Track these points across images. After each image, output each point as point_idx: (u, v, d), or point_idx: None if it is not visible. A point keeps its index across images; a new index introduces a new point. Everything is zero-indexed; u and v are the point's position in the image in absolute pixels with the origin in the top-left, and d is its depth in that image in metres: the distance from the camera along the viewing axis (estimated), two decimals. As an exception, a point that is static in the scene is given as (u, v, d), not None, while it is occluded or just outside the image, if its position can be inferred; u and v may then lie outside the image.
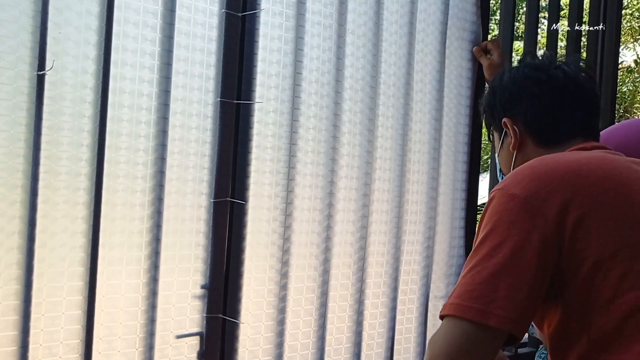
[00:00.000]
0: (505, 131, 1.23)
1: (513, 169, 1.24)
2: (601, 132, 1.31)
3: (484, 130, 1.83)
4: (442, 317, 0.93)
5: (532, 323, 1.05)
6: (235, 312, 1.56)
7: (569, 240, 0.90)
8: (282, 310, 1.61)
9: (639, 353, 0.86)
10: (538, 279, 0.89)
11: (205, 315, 1.53)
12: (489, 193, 1.53)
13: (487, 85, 2.01)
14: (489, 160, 2.19)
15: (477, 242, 0.95)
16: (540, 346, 1.65)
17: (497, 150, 1.34)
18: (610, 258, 0.90)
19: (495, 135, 1.31)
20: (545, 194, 0.92)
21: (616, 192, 0.95)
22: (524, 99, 1.19)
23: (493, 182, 1.98)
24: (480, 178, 2.23)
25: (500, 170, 1.40)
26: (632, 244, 0.92)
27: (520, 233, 0.89)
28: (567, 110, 1.16)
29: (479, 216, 1.40)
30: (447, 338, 0.89)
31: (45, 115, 1.29)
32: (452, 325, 0.89)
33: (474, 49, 1.97)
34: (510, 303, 0.86)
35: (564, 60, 1.21)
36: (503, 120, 1.21)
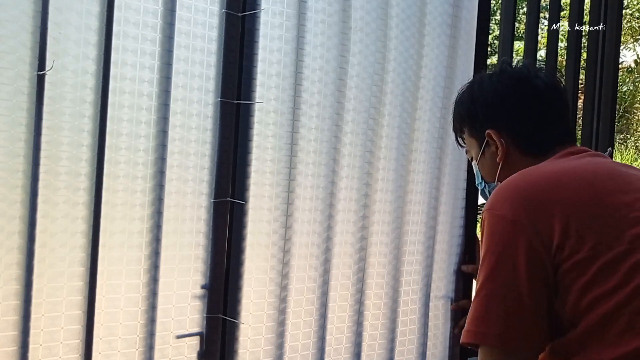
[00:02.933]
0: (487, 141, 1.23)
1: (498, 179, 1.23)
2: None
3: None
4: (465, 344, 1.00)
5: None
6: (235, 312, 1.56)
7: (557, 250, 0.95)
8: (282, 311, 1.61)
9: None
10: (537, 295, 0.94)
11: (205, 315, 1.53)
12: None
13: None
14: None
15: (481, 260, 1.01)
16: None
17: (475, 158, 1.32)
18: (589, 259, 0.94)
19: (473, 143, 1.30)
20: (529, 212, 0.96)
21: (593, 199, 0.98)
22: (508, 111, 1.19)
23: (472, 188, 1.92)
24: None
25: (482, 178, 1.36)
26: (606, 242, 0.95)
27: (511, 252, 0.95)
28: (552, 119, 1.17)
29: (479, 217, 1.39)
30: None
31: (45, 115, 1.29)
32: (481, 353, 0.97)
33: None
34: (515, 323, 0.93)
35: (540, 69, 1.21)
36: (487, 131, 1.22)
